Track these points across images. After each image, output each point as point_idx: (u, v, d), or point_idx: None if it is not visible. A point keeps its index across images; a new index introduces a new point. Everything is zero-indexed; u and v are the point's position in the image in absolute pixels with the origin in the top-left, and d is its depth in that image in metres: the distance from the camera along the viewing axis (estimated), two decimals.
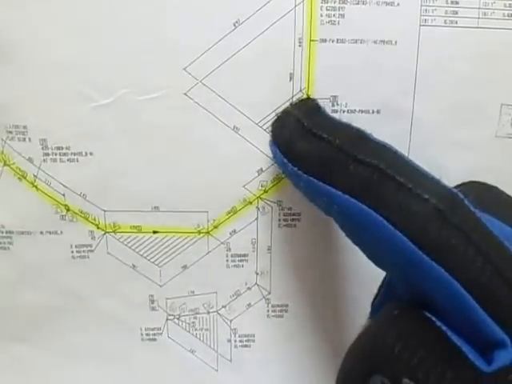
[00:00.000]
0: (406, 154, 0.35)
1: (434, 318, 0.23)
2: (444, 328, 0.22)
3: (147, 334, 0.38)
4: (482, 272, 0.22)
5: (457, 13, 0.33)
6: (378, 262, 0.26)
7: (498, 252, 0.22)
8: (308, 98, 0.33)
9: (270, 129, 0.33)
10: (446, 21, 0.33)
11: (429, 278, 0.23)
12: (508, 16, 0.34)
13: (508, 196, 0.29)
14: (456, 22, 0.33)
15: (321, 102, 0.33)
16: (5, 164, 0.35)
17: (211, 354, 0.39)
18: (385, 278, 0.30)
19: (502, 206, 0.27)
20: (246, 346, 0.39)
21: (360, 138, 0.27)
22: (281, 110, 0.34)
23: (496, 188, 0.29)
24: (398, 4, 0.33)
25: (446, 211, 0.23)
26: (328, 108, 0.34)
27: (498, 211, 0.26)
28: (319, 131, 0.27)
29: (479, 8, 0.33)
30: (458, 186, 0.29)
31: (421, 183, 0.24)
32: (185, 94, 0.34)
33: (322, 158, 0.26)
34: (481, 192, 0.29)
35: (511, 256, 0.23)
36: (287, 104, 0.34)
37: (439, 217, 0.23)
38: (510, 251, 0.23)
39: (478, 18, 0.34)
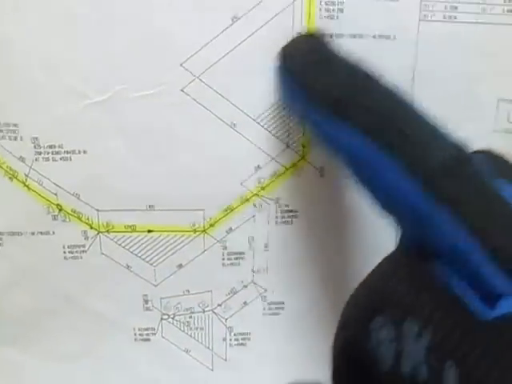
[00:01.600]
0: None
1: (436, 267, 0.23)
2: (445, 276, 0.22)
3: (140, 335, 0.38)
4: (497, 226, 0.22)
5: (456, 8, 0.33)
6: (385, 206, 0.25)
7: (506, 209, 0.23)
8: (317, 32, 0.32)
9: (280, 55, 0.31)
10: (445, 16, 0.33)
11: (437, 227, 0.22)
12: (507, 11, 0.34)
13: None
14: (455, 18, 0.33)
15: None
16: None
17: (206, 354, 0.39)
18: None
19: None
20: (241, 344, 0.39)
21: (369, 76, 0.26)
22: (278, 106, 0.34)
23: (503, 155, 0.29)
24: None
25: (460, 163, 0.23)
26: None
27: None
28: (334, 61, 0.27)
29: (479, 3, 0.33)
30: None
31: (441, 136, 0.24)
32: (181, 90, 0.33)
33: (343, 92, 0.25)
34: (493, 159, 0.29)
35: None
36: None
37: (454, 166, 0.23)
38: None
39: (478, 13, 0.33)
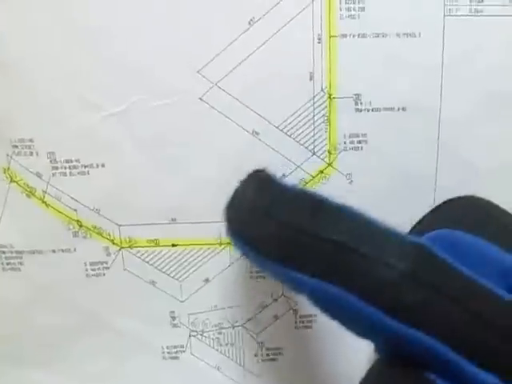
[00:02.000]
0: (435, 153, 0.34)
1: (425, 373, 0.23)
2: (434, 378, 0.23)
3: (169, 353, 0.37)
4: (461, 323, 0.22)
5: (482, 1, 0.32)
6: (358, 335, 0.25)
7: (474, 295, 0.22)
8: (258, 170, 0.30)
9: (224, 214, 0.29)
10: (471, 9, 0.32)
11: (413, 345, 0.22)
12: None
13: (498, 211, 0.28)
14: (482, 11, 0.32)
15: (272, 174, 0.29)
16: (12, 180, 0.33)
17: (238, 370, 0.38)
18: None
19: (490, 224, 0.26)
20: (273, 359, 0.37)
21: (317, 210, 0.25)
22: (301, 112, 0.33)
23: (487, 203, 0.28)
24: None
25: (414, 272, 0.22)
26: (351, 107, 0.33)
27: (483, 230, 0.26)
28: (274, 210, 0.25)
29: None
30: (446, 202, 0.29)
31: (385, 248, 0.23)
32: (200, 98, 0.32)
33: (282, 242, 0.25)
34: (468, 210, 0.28)
35: (488, 295, 0.23)
36: (309, 104, 0.33)
37: (408, 281, 0.22)
38: (486, 289, 0.23)
39: (504, 5, 0.32)
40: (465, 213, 0.27)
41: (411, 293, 0.22)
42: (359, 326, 0.24)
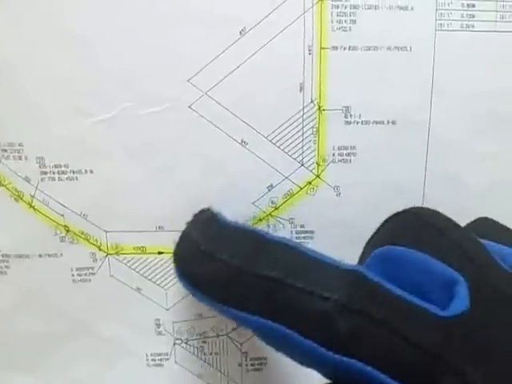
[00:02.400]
0: (424, 167, 0.34)
1: None
2: None
3: (153, 360, 0.37)
4: (392, 348, 0.22)
5: (473, 16, 0.32)
6: (303, 365, 0.26)
7: (405, 318, 0.23)
8: (203, 210, 0.31)
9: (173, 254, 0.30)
10: (462, 25, 0.32)
11: (350, 373, 0.23)
12: None
13: (442, 223, 0.28)
14: (473, 26, 0.32)
15: (216, 213, 0.30)
16: (0, 184, 0.33)
17: (221, 379, 0.37)
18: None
19: (433, 238, 0.26)
20: (257, 369, 0.37)
21: (257, 248, 0.26)
22: (290, 123, 0.33)
23: (432, 215, 0.28)
24: (412, 8, 0.32)
25: (346, 302, 0.23)
26: (341, 120, 0.33)
27: (426, 244, 0.26)
28: (216, 251, 0.26)
29: (496, 11, 0.32)
30: (391, 216, 0.29)
31: (320, 280, 0.24)
32: (189, 106, 0.32)
33: (223, 281, 0.26)
34: (411, 224, 0.28)
35: (420, 315, 0.23)
36: (298, 115, 0.33)
37: (341, 310, 0.23)
38: (419, 309, 0.23)
39: (496, 21, 0.32)
40: (408, 227, 0.27)
41: (344, 322, 0.22)
42: (301, 358, 0.25)
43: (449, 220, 0.27)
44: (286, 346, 0.24)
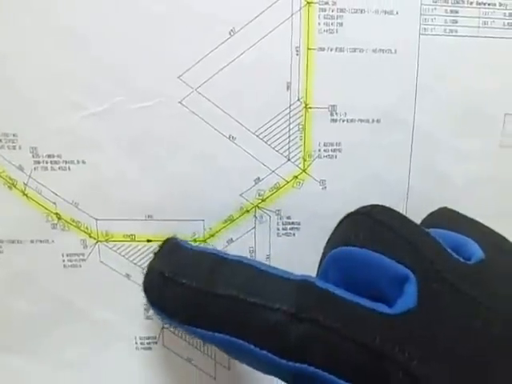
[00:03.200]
0: (408, 163, 0.36)
1: None
2: None
3: (142, 343, 0.38)
4: (341, 350, 0.23)
5: (457, 22, 0.33)
6: (265, 374, 0.27)
7: (352, 321, 0.24)
8: (168, 239, 0.33)
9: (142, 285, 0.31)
10: (445, 30, 0.33)
11: (304, 378, 0.24)
12: (508, 25, 0.33)
13: (395, 221, 0.28)
14: (456, 31, 0.33)
15: (179, 241, 0.32)
16: None
17: (209, 362, 0.39)
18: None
19: (386, 237, 0.27)
20: None
21: (214, 269, 0.27)
22: (277, 120, 0.34)
23: (386, 213, 0.28)
24: (397, 13, 0.33)
25: (296, 311, 0.24)
26: (327, 117, 0.34)
27: (379, 244, 0.26)
28: (178, 276, 0.28)
29: (479, 17, 0.33)
30: (345, 217, 0.30)
31: (271, 293, 0.25)
32: (179, 102, 0.33)
33: (184, 304, 0.27)
34: (364, 224, 0.28)
35: (367, 317, 0.24)
36: (285, 113, 0.34)
37: (291, 320, 0.24)
38: (366, 311, 0.24)
39: (478, 27, 0.33)
40: (360, 227, 0.28)
41: (294, 331, 0.24)
42: (259, 367, 0.26)
43: (400, 217, 0.28)
44: (245, 357, 0.26)
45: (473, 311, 0.25)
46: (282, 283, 0.26)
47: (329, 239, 0.30)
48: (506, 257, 0.29)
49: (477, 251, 0.27)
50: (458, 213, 0.33)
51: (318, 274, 0.30)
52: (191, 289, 0.27)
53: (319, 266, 0.30)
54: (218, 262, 0.28)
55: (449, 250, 0.26)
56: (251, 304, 0.25)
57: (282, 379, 0.26)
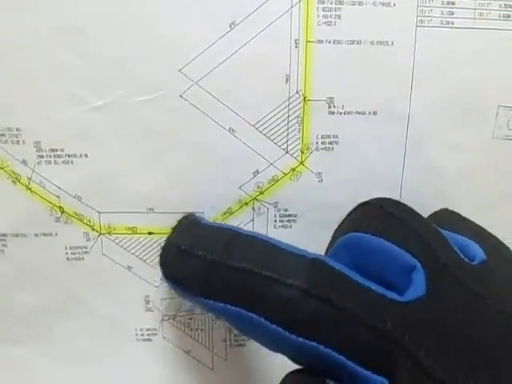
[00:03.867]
0: (402, 155, 0.36)
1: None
2: None
3: (142, 335, 0.38)
4: (351, 331, 0.24)
5: (453, 13, 0.33)
6: (270, 349, 0.27)
7: (363, 303, 0.24)
8: (186, 216, 0.34)
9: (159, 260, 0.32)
10: (442, 21, 0.34)
11: (312, 356, 0.24)
12: (504, 17, 0.34)
13: (405, 213, 0.29)
14: (452, 23, 0.34)
15: (197, 217, 0.34)
16: None
17: (207, 354, 0.39)
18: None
19: (396, 227, 0.28)
20: (241, 345, 0.39)
21: (229, 243, 0.28)
22: (277, 113, 0.34)
23: (396, 205, 0.29)
24: (395, 5, 0.33)
25: (307, 287, 0.24)
26: (325, 110, 0.34)
27: (389, 233, 0.27)
28: (194, 249, 0.29)
29: (475, 9, 0.34)
30: (358, 206, 0.30)
31: (285, 268, 0.26)
32: (180, 95, 0.34)
33: (199, 275, 0.28)
34: (376, 214, 0.29)
35: (377, 300, 0.25)
36: (284, 105, 0.34)
37: (303, 296, 0.24)
38: (376, 295, 0.25)
39: (474, 18, 0.34)
40: (372, 216, 0.28)
41: (306, 307, 0.24)
42: (268, 342, 0.27)
43: (411, 211, 0.29)
44: (255, 331, 0.26)
45: (477, 306, 0.25)
46: (295, 259, 0.26)
47: (339, 226, 0.31)
48: (504, 259, 0.30)
49: (479, 252, 0.28)
50: (458, 214, 0.33)
51: None
52: (206, 260, 0.27)
53: (326, 252, 0.31)
54: (234, 236, 0.28)
55: (455, 248, 0.27)
56: (265, 277, 0.25)
57: (290, 357, 0.26)
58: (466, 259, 0.27)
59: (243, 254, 0.27)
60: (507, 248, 0.31)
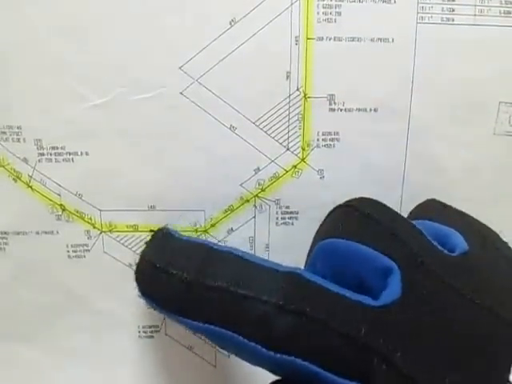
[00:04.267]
0: (404, 152, 0.36)
1: None
2: None
3: (145, 332, 0.38)
4: (326, 342, 0.24)
5: (453, 10, 0.33)
6: (252, 364, 0.27)
7: (338, 312, 0.24)
8: (159, 229, 0.34)
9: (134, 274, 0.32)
10: (442, 18, 0.34)
11: (290, 370, 0.24)
12: (504, 13, 0.34)
13: (381, 213, 0.29)
14: (453, 20, 0.34)
15: (170, 231, 0.33)
16: None
17: (210, 351, 0.39)
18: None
19: (371, 229, 0.27)
20: None
21: (205, 260, 0.28)
22: (277, 110, 0.34)
23: (371, 206, 0.29)
24: (395, 1, 0.33)
25: (283, 303, 0.24)
26: (325, 107, 0.34)
27: (364, 235, 0.27)
28: (169, 267, 0.28)
29: (475, 5, 0.34)
30: (333, 209, 0.30)
31: (261, 285, 0.26)
32: (181, 93, 0.34)
33: (176, 296, 0.28)
34: (351, 216, 0.29)
35: (353, 308, 0.24)
36: (285, 102, 0.34)
37: (278, 312, 0.24)
38: (352, 303, 0.24)
39: (475, 15, 0.34)
40: (348, 219, 0.28)
41: (281, 322, 0.24)
42: (247, 358, 0.27)
43: (387, 210, 0.28)
44: (234, 348, 0.26)
45: (456, 302, 0.25)
46: (270, 275, 0.26)
47: (317, 231, 0.31)
48: (490, 249, 0.29)
49: (461, 243, 0.28)
50: (444, 204, 0.33)
51: (306, 265, 0.30)
52: (182, 281, 0.27)
53: (308, 256, 0.31)
54: (208, 254, 0.28)
55: (433, 242, 0.27)
56: (240, 295, 0.25)
57: (270, 371, 0.26)
58: (446, 251, 0.27)
59: (218, 272, 0.27)
60: (497, 236, 0.31)
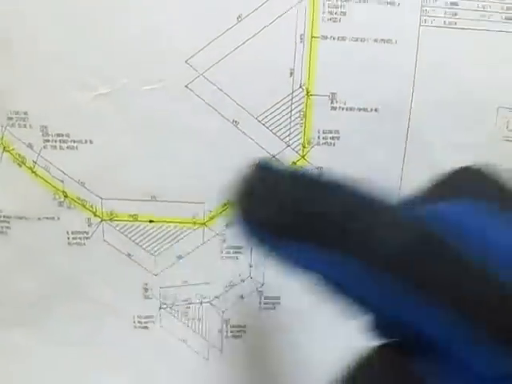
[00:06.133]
0: (402, 152, 0.36)
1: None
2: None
3: (139, 322, 0.39)
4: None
5: (456, 14, 0.34)
6: (364, 307, 0.24)
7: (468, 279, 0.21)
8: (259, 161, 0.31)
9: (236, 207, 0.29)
10: (445, 21, 0.34)
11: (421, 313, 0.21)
12: (506, 19, 0.34)
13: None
14: (455, 24, 0.34)
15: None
16: (4, 150, 0.35)
17: (202, 344, 0.39)
18: None
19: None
20: (237, 336, 0.39)
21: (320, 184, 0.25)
22: (280, 106, 0.35)
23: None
24: (399, 4, 0.34)
25: (419, 242, 0.21)
26: (327, 105, 0.35)
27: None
28: (278, 193, 0.25)
29: (478, 10, 0.34)
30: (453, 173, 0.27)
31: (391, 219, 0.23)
32: (186, 86, 0.34)
33: (292, 218, 0.24)
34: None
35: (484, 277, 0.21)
36: (287, 99, 0.35)
37: (413, 251, 0.21)
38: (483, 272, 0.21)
39: (477, 20, 0.34)
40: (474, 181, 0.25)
41: (418, 263, 0.19)
42: (369, 294, 0.22)
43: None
44: (346, 282, 0.22)
45: None
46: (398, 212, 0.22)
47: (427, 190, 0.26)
48: None
49: None
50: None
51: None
52: (298, 201, 0.23)
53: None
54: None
55: None
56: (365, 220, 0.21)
57: (375, 312, 0.23)
58: None
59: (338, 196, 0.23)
60: None
